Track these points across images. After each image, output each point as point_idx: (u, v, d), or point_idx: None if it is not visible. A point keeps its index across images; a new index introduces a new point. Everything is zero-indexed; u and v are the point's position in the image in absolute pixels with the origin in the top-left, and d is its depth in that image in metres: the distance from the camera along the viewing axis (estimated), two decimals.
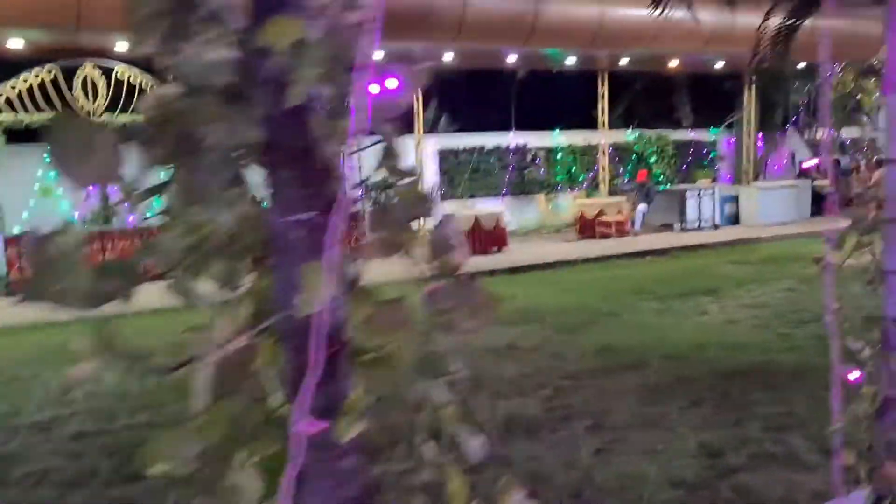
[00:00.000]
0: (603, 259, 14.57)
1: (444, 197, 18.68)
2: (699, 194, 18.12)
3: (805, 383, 6.17)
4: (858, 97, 23.51)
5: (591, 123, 20.29)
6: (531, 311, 9.54)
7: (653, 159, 21.78)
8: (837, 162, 21.84)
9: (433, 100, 20.38)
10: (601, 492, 4.30)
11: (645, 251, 15.05)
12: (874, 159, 22.39)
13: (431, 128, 19.93)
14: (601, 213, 17.04)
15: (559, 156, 20.46)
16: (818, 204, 20.49)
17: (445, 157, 19.01)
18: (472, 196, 18.98)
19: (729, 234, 17.32)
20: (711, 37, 16.77)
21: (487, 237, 15.40)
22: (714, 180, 21.77)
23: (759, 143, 23.21)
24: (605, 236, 16.60)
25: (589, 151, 20.67)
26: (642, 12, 15.53)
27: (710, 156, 23.24)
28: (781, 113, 23.42)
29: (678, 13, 15.61)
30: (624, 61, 17.88)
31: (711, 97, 23.38)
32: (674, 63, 18.43)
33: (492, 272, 13.22)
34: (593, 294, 11.11)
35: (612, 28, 14.61)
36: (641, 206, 17.65)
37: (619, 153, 21.40)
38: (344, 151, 1.06)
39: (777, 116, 23.37)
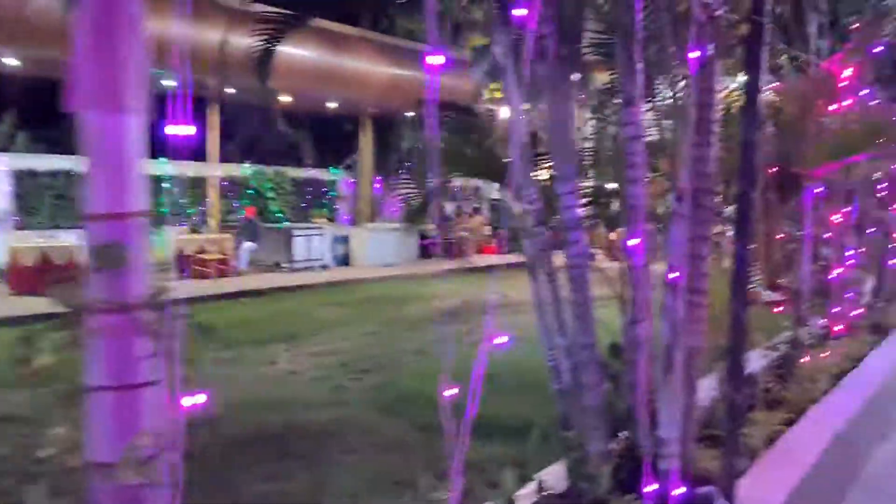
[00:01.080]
0: (195, 301, 13.29)
1: (19, 226, 15.92)
2: (309, 234, 17.79)
3: (326, 448, 5.63)
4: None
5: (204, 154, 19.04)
6: (57, 368, 7.93)
7: (270, 195, 21.14)
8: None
9: (7, 112, 17.46)
10: None
11: (242, 292, 14.11)
12: (473, 206, 24.42)
13: (4, 144, 17.02)
14: (201, 250, 15.78)
15: (165, 187, 18.78)
16: (425, 246, 21.61)
17: (21, 179, 16.26)
18: (56, 227, 16.42)
19: (336, 274, 17.20)
20: (319, 75, 16.66)
21: (58, 274, 13.19)
22: (332, 220, 21.80)
23: (378, 186, 23.90)
24: (203, 276, 15.33)
25: (200, 184, 19.32)
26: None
27: (330, 195, 23.30)
28: (397, 157, 24.39)
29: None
30: (231, 91, 16.99)
31: (334, 137, 23.61)
32: (286, 98, 18.02)
33: (48, 316, 11.20)
34: None
35: (207, 52, 13.57)
36: (248, 244, 16.76)
37: (235, 188, 20.41)
38: None
39: (392, 160, 24.31)
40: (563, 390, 3.29)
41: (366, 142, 22.24)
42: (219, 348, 9.51)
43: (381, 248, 19.40)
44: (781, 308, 4.96)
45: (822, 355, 5.58)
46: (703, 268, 3.19)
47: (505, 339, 2.24)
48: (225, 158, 20.04)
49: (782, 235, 4.19)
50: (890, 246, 7.99)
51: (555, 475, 3.38)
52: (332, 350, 9.66)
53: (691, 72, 2.74)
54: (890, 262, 8.03)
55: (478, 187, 25.83)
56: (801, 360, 5.32)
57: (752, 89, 2.73)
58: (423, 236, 21.46)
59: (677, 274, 2.90)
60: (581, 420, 3.14)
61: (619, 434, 3.19)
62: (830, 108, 4.67)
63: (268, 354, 9.32)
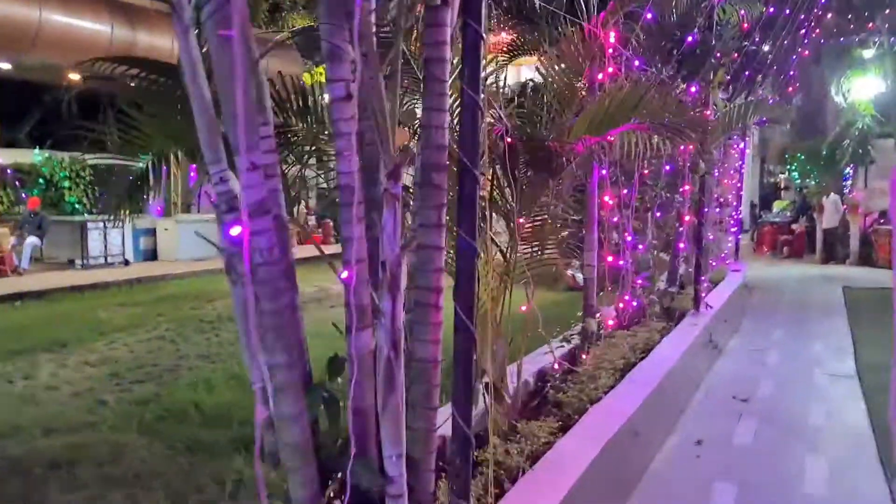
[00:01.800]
0: None
1: None
2: (104, 226, 16.10)
3: (45, 488, 4.67)
4: None
5: None
6: None
7: (65, 185, 19.08)
8: None
9: None
10: None
11: (18, 294, 12.43)
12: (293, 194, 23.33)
13: None
14: None
15: None
16: None
17: None
18: None
19: (138, 270, 15.70)
20: (112, 51, 15.03)
21: None
22: (140, 212, 20.05)
23: (193, 174, 22.26)
24: None
25: None
26: (16, 9, 13.14)
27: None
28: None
29: (59, 17, 13.67)
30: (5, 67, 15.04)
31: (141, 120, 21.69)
32: (74, 76, 16.22)
33: None
34: None
35: None
36: (32, 240, 14.91)
37: (24, 176, 18.28)
38: None
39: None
40: (269, 419, 2.61)
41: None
42: None
43: (192, 240, 17.97)
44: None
45: (607, 348, 5.28)
46: (438, 262, 2.60)
47: None
48: (11, 144, 17.88)
49: (533, 219, 3.72)
50: (680, 229, 8.00)
51: None
52: (106, 358, 8.50)
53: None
54: (680, 246, 8.04)
55: (302, 175, 24.75)
56: (586, 355, 4.98)
57: (472, 37, 2.17)
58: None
59: (346, 274, 2.29)
60: (286, 459, 2.47)
61: (338, 472, 2.55)
62: (592, 76, 4.31)
63: (25, 367, 8.04)
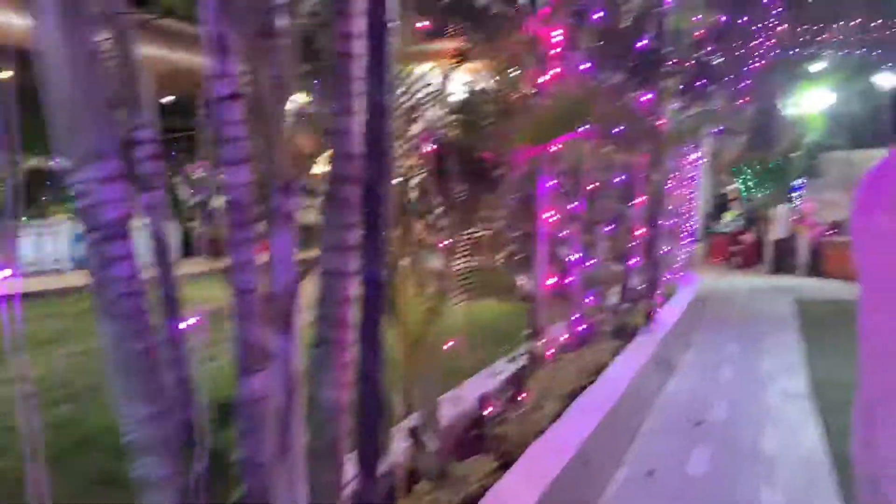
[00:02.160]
0: None
1: None
2: (39, 232, 15.36)
3: None
4: None
5: None
6: None
7: None
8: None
9: None
10: None
11: None
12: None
13: None
14: None
15: None
16: (189, 244, 19.76)
17: None
18: None
19: (75, 279, 14.95)
20: None
21: None
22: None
23: None
24: None
25: None
26: None
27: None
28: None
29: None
30: None
31: None
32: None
33: None
34: None
35: None
36: None
37: None
38: None
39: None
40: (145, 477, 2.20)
41: None
42: None
43: (139, 247, 17.25)
44: None
45: (555, 371, 4.96)
46: (346, 291, 2.22)
47: None
48: None
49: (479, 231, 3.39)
50: (631, 244, 7.73)
51: None
52: (24, 376, 7.90)
53: None
54: (631, 261, 7.77)
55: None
56: (531, 380, 4.64)
57: (377, 27, 1.81)
58: (186, 233, 19.62)
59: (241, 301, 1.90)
60: None
61: None
62: (535, 79, 4.00)
63: None
